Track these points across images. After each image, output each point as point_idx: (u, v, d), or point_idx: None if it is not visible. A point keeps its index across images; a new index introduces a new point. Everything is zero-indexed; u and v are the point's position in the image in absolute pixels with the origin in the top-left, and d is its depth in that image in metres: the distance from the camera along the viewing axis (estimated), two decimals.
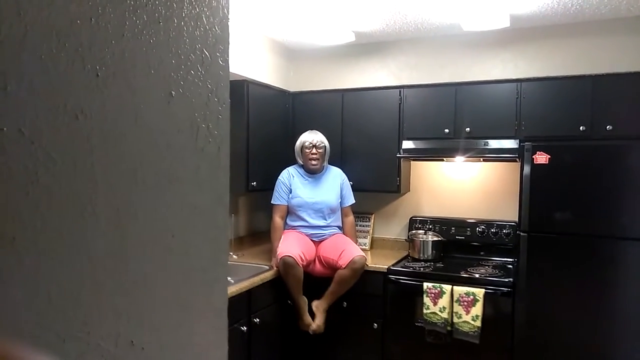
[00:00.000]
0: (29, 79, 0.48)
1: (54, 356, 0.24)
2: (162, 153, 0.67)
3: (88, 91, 0.55)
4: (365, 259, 3.00)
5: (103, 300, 0.58)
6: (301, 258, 2.91)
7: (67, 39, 0.52)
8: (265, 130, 3.37)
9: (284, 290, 2.97)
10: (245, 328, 2.66)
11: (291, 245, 2.97)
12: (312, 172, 3.22)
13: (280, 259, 2.88)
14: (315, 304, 3.05)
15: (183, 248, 0.71)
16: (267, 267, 2.99)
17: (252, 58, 3.29)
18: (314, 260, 3.12)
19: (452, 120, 3.18)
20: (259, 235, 3.73)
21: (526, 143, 2.81)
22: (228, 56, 0.81)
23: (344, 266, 2.94)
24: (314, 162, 3.16)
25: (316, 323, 3.03)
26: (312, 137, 3.19)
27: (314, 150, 3.15)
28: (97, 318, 0.57)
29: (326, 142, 3.23)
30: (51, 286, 0.51)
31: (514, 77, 3.10)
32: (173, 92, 0.68)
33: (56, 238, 0.52)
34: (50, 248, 0.51)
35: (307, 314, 3.03)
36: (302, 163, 3.24)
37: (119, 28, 0.58)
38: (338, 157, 3.44)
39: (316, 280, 3.08)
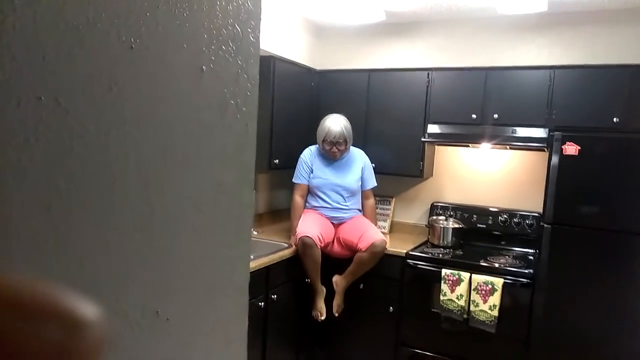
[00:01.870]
0: (67, 50, 0.48)
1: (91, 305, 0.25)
2: (191, 128, 0.67)
3: (123, 63, 0.55)
4: (386, 242, 3.00)
5: (130, 271, 0.59)
6: (320, 239, 2.92)
7: (103, 9, 0.52)
8: (289, 108, 3.36)
9: (302, 268, 3.00)
10: (262, 304, 2.70)
11: (310, 226, 2.98)
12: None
13: (299, 239, 2.90)
14: (335, 280, 3.07)
15: (208, 224, 0.72)
16: (286, 245, 3.02)
17: (280, 34, 3.26)
18: (333, 241, 3.13)
19: (480, 105, 3.12)
20: (278, 213, 3.76)
21: (556, 132, 2.74)
22: (259, 32, 0.80)
23: (364, 249, 2.94)
24: (334, 155, 3.13)
25: (336, 303, 3.06)
26: (333, 132, 3.05)
27: (334, 149, 3.09)
28: (125, 288, 0.58)
29: (348, 134, 3.11)
30: (83, 254, 0.53)
31: (548, 63, 3.00)
32: (204, 67, 0.68)
33: (88, 208, 0.53)
34: (83, 217, 0.52)
35: (323, 302, 3.06)
36: (322, 151, 3.20)
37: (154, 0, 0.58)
38: (362, 138, 3.41)
39: (334, 261, 3.10)
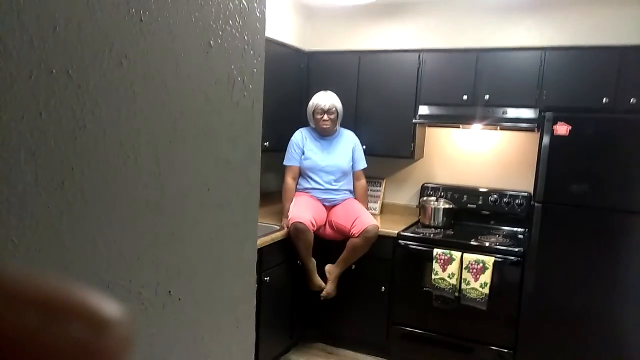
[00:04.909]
0: (77, 22, 0.47)
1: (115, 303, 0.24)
2: (200, 105, 0.65)
3: (132, 36, 0.53)
4: (378, 228, 3.00)
5: (143, 250, 0.58)
6: (312, 223, 2.92)
7: None
8: (279, 90, 3.31)
9: (293, 251, 3.00)
10: (255, 286, 2.71)
11: (302, 210, 2.97)
12: (325, 135, 3.20)
13: (292, 224, 2.89)
14: (328, 269, 3.08)
15: (217, 202, 0.71)
16: (277, 227, 3.01)
17: (268, 14, 3.19)
18: (325, 224, 3.13)
19: (471, 86, 3.12)
20: (269, 196, 3.74)
21: (547, 113, 2.76)
22: (265, 8, 0.79)
23: (356, 235, 2.95)
24: (325, 126, 3.12)
25: (327, 290, 3.07)
26: (323, 102, 3.11)
27: (325, 117, 3.09)
28: (138, 267, 0.57)
29: (338, 105, 3.15)
30: (96, 233, 0.51)
31: (538, 44, 3.01)
32: (212, 42, 0.66)
33: (101, 186, 0.51)
34: (96, 195, 0.51)
35: (317, 275, 3.07)
36: (314, 126, 3.20)
37: None
38: (352, 120, 3.39)
39: (326, 244, 3.11)
